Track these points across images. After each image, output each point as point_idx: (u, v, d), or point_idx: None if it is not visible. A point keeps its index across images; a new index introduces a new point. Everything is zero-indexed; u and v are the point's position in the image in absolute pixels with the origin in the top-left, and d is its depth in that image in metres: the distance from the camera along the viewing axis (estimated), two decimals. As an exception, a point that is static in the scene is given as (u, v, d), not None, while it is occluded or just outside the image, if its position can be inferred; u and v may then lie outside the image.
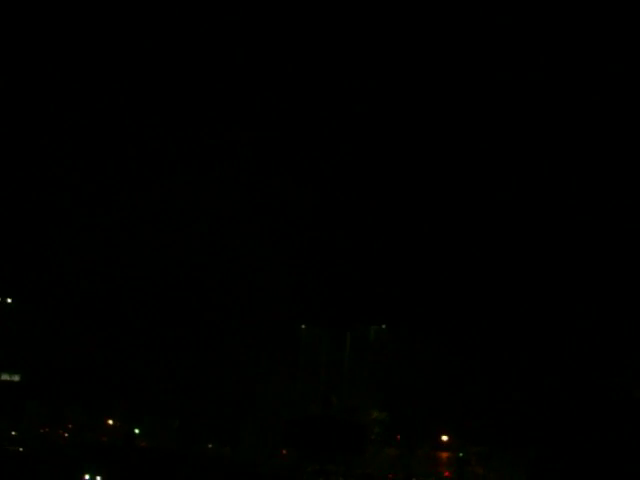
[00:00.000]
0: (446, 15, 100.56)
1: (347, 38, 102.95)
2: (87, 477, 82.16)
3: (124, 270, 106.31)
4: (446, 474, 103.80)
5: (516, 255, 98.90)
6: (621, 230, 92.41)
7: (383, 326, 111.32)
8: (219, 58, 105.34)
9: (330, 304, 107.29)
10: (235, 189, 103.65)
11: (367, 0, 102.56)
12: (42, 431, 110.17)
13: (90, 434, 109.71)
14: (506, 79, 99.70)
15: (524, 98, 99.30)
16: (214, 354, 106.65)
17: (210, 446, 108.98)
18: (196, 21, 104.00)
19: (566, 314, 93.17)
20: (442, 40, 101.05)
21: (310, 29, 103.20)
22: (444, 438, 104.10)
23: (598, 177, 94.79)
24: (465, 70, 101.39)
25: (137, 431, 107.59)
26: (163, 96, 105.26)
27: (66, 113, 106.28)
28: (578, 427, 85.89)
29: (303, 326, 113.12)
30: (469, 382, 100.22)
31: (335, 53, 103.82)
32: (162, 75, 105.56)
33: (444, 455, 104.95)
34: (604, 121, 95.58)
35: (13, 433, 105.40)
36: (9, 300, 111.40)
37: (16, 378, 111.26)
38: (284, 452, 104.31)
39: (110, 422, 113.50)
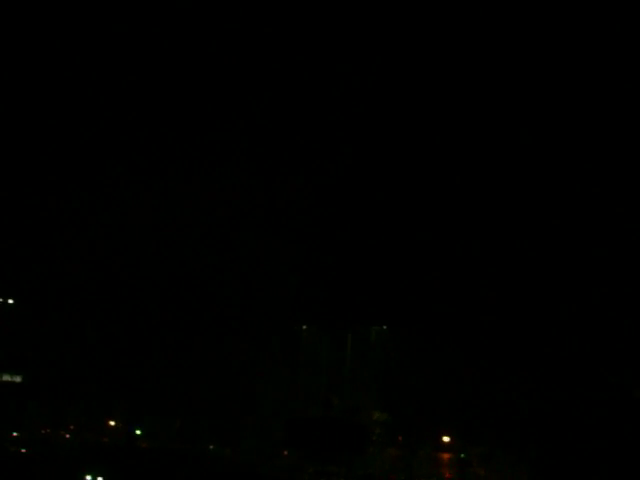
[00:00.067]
0: (446, 15, 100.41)
1: (347, 38, 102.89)
2: (88, 478, 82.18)
3: (124, 270, 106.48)
4: (447, 475, 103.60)
5: (516, 255, 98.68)
6: (620, 230, 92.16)
7: (384, 327, 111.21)
8: (219, 58, 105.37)
9: (331, 305, 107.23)
10: (235, 189, 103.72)
11: (367, 0, 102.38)
12: (43, 432, 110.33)
13: (91, 435, 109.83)
14: (506, 79, 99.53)
15: (524, 98, 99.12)
16: (214, 354, 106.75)
17: (211, 447, 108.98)
18: (196, 21, 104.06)
19: (566, 314, 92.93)
20: (442, 40, 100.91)
21: (310, 29, 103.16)
22: (445, 439, 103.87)
23: (598, 177, 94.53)
24: (465, 70, 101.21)
25: (138, 432, 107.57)
26: (163, 96, 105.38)
27: (66, 113, 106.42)
28: (579, 427, 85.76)
29: (304, 327, 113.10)
30: (470, 383, 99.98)
31: (335, 53, 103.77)
32: (162, 75, 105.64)
33: (445, 456, 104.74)
34: (604, 121, 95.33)
35: (15, 434, 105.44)
36: (10, 301, 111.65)
37: (17, 379, 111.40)
38: (285, 453, 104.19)
39: (111, 423, 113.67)
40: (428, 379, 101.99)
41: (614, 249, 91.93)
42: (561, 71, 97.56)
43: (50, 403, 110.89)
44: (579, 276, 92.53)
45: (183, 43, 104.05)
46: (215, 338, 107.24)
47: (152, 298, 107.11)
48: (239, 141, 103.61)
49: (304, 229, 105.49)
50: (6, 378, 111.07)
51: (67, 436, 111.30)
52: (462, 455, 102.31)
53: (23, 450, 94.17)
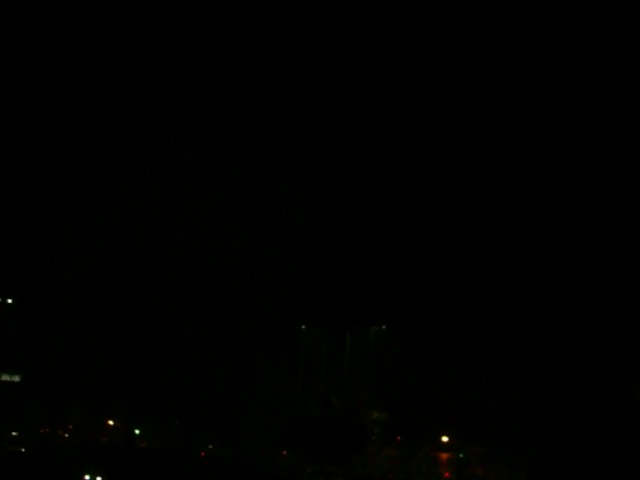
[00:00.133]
0: (446, 15, 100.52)
1: (347, 38, 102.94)
2: (87, 477, 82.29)
3: (124, 270, 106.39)
4: (446, 475, 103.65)
5: (516, 255, 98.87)
6: (620, 230, 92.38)
7: (383, 326, 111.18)
8: (219, 58, 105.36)
9: (330, 304, 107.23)
10: (234, 188, 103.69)
11: (367, 0, 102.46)
12: (42, 431, 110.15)
13: (90, 434, 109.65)
14: (506, 79, 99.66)
15: (524, 98, 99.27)
16: (214, 354, 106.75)
17: (210, 447, 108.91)
18: (195, 21, 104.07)
19: (566, 314, 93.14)
20: (442, 40, 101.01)
21: (310, 29, 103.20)
22: (444, 439, 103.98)
23: (598, 177, 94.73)
24: (465, 70, 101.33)
25: (137, 431, 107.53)
26: (163, 96, 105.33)
27: (66, 113, 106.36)
28: (578, 427, 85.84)
29: (303, 326, 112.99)
30: (469, 383, 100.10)
31: (335, 53, 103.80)
32: (162, 75, 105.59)
33: (444, 456, 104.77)
34: (604, 121, 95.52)
35: (13, 434, 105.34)
36: (9, 300, 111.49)
37: (16, 378, 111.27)
38: (284, 453, 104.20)
39: (110, 422, 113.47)
40: (427, 379, 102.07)
41: (614, 249, 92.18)
42: (561, 71, 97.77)
43: (49, 403, 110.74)
44: (579, 276, 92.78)
45: (183, 43, 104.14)
46: (215, 338, 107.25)
47: (152, 298, 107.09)
48: (239, 141, 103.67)
49: (304, 229, 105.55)
50: (5, 378, 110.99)
51: (66, 435, 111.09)
52: (461, 455, 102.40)
53: (22, 449, 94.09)
